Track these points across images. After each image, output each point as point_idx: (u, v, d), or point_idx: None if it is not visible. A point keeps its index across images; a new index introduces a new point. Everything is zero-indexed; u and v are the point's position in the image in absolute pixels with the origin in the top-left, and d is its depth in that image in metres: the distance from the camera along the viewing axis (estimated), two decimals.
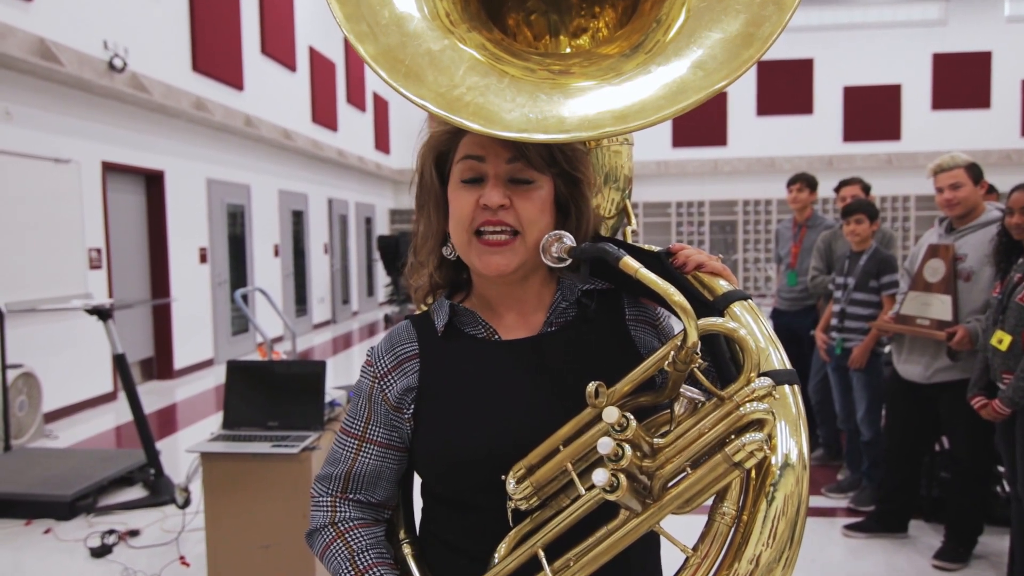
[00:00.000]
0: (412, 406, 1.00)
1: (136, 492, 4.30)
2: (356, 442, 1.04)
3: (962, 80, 14.88)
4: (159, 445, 4.46)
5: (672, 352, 0.81)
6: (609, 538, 0.83)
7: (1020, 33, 14.69)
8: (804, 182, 4.61)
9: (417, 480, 1.09)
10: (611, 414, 0.79)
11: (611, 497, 0.77)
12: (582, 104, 0.82)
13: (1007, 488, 3.34)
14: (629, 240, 1.09)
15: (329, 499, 1.05)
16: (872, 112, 15.09)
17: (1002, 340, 2.72)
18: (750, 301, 0.90)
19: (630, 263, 0.82)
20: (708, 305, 0.90)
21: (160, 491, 4.16)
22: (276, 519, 2.76)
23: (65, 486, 4.04)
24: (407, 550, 1.07)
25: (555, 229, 0.95)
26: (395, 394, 1.01)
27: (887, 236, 4.21)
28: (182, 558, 3.38)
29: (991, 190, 4.12)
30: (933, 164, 3.23)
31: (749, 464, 0.76)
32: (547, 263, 0.92)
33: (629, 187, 1.10)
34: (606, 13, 1.00)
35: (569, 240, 0.91)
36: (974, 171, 3.15)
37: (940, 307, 3.17)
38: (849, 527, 3.61)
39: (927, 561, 3.26)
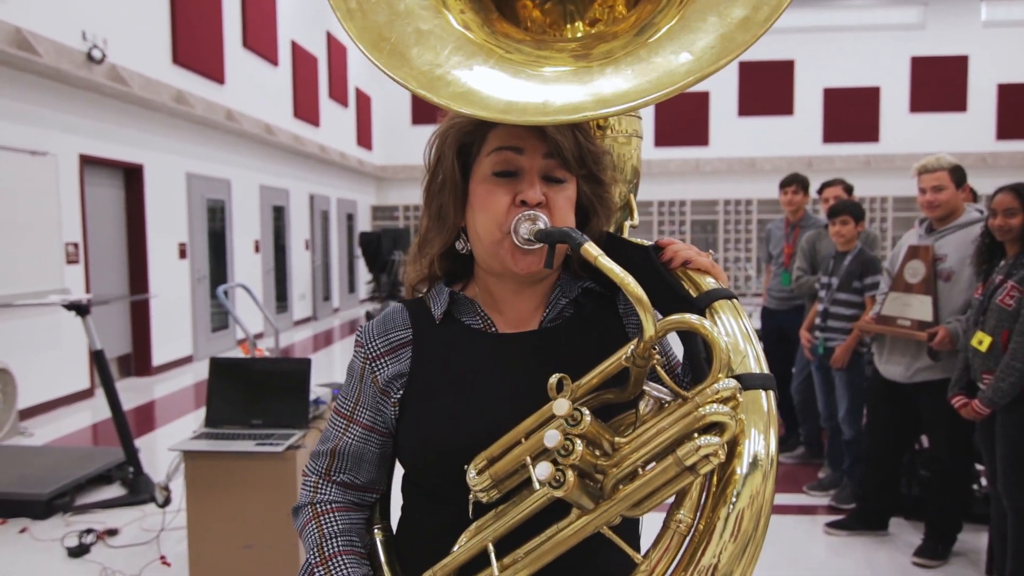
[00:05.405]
0: (400, 391, 0.98)
1: (114, 490, 4.23)
2: (344, 422, 1.03)
3: (939, 83, 15.09)
4: (137, 443, 4.40)
5: (631, 347, 0.79)
6: (556, 536, 0.80)
7: (997, 37, 14.93)
8: (799, 184, 4.58)
9: (399, 471, 1.07)
10: (561, 407, 0.76)
11: (558, 494, 0.74)
12: (566, 88, 0.80)
13: (985, 485, 3.39)
14: (626, 235, 1.06)
15: (314, 478, 1.05)
16: (851, 114, 15.27)
17: (982, 341, 2.75)
18: (734, 301, 0.87)
19: (590, 250, 0.79)
20: (690, 302, 0.88)
21: (139, 489, 4.09)
22: (260, 518, 2.73)
23: (41, 484, 3.96)
24: (378, 536, 1.06)
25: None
26: (385, 378, 0.99)
27: (871, 237, 4.24)
28: (163, 558, 3.34)
29: (973, 195, 4.17)
30: (918, 164, 3.24)
31: (703, 469, 0.72)
32: (515, 242, 0.90)
33: (636, 179, 1.08)
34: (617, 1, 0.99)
35: (543, 223, 0.88)
36: (957, 174, 3.17)
37: (921, 308, 3.20)
38: (830, 525, 3.64)
39: (907, 558, 3.30)
